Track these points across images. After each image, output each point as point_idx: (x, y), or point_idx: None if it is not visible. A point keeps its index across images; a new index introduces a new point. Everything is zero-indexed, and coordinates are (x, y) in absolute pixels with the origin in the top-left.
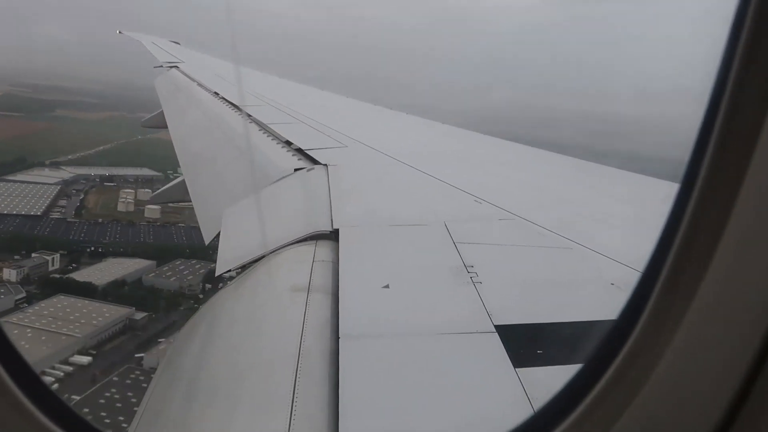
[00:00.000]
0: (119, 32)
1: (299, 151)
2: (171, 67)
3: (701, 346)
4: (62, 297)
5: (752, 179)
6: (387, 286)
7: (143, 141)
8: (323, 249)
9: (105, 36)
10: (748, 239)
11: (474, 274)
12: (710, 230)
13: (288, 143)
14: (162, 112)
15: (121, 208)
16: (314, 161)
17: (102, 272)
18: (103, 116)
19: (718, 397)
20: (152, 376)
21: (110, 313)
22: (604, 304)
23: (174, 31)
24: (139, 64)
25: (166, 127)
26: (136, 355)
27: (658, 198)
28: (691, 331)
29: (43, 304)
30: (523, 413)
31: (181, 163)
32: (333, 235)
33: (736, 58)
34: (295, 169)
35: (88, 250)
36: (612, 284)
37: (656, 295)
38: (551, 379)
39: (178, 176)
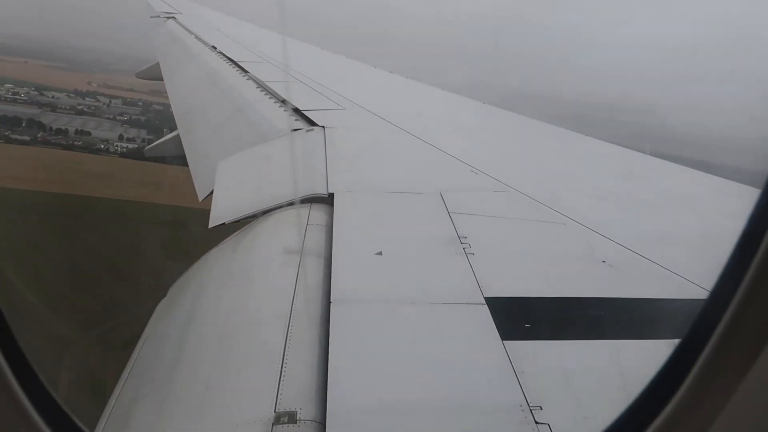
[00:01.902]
0: None
1: (296, 111)
2: (168, 17)
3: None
4: None
5: None
6: (380, 253)
7: None
8: (318, 212)
9: None
10: None
11: (467, 245)
12: None
13: (285, 102)
14: (158, 63)
15: None
16: (312, 122)
17: None
18: None
19: None
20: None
21: None
22: (595, 281)
23: None
24: None
25: (161, 79)
26: None
27: (655, 177)
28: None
29: None
30: (507, 385)
31: (176, 117)
32: (328, 199)
33: None
34: (293, 130)
35: None
36: (603, 262)
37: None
38: (538, 353)
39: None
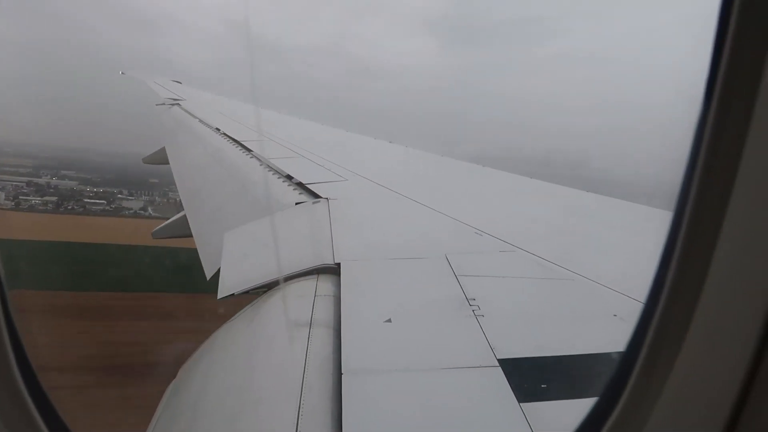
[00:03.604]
0: (122, 73)
1: (300, 185)
2: (173, 104)
3: (702, 360)
4: None
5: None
6: (389, 321)
7: None
8: (325, 283)
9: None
10: (741, 249)
11: (476, 307)
12: (704, 245)
13: (289, 177)
14: (164, 148)
15: None
16: (315, 195)
17: None
18: None
19: (720, 405)
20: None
21: None
22: (608, 336)
23: (176, 70)
24: None
25: (167, 163)
26: None
27: (657, 227)
28: (690, 350)
29: None
30: None
31: (182, 198)
32: (335, 269)
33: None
34: (297, 203)
35: None
36: (615, 316)
37: (657, 318)
38: (556, 413)
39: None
